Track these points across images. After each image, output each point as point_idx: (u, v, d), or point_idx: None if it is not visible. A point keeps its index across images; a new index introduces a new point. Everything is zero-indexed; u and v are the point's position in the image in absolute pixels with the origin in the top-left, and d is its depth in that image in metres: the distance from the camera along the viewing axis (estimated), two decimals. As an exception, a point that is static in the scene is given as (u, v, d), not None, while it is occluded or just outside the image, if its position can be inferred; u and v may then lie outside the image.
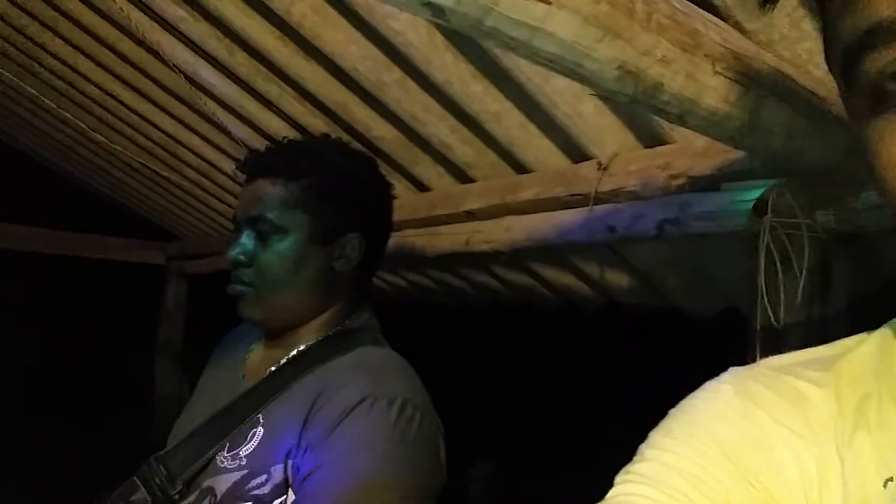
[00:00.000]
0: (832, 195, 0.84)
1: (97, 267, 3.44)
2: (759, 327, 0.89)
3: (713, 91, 0.60)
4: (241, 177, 1.04)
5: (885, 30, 0.31)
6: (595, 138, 1.19)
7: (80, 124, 1.83)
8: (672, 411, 0.46)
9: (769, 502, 0.38)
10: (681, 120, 0.62)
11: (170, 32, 1.50)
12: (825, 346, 0.46)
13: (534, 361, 2.50)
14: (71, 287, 3.36)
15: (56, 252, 3.26)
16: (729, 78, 0.60)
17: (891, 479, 0.36)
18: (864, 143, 0.36)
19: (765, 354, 0.90)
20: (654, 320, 1.72)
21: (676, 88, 0.57)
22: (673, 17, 0.55)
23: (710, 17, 0.60)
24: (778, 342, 0.87)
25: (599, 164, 1.17)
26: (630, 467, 0.42)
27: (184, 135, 2.03)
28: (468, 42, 1.11)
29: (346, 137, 1.58)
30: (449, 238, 1.48)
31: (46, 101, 1.93)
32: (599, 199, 1.16)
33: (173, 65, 1.49)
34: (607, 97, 1.12)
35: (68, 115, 1.90)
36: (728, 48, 0.60)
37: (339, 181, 1.00)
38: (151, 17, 1.47)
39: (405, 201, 1.71)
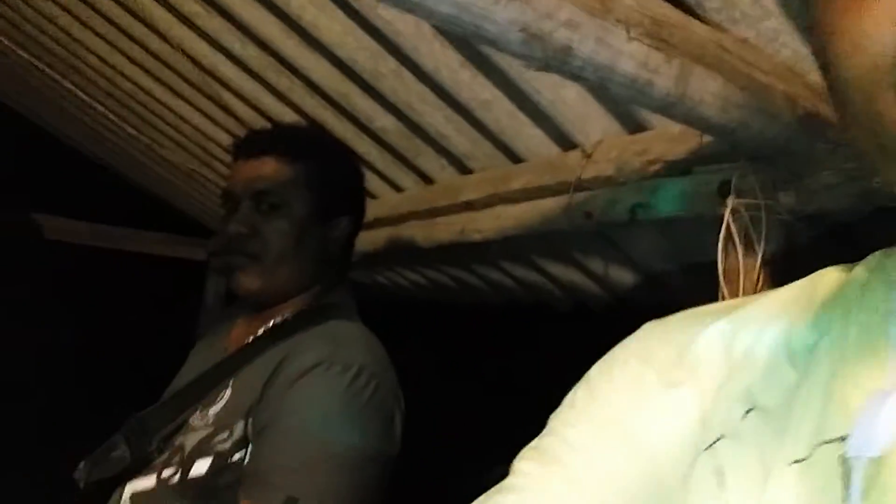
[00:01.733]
0: (792, 176, 0.82)
1: (141, 262, 3.60)
2: (720, 310, 0.88)
3: (629, 57, 0.60)
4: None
5: None
6: (580, 126, 1.20)
7: (110, 115, 1.94)
8: (585, 375, 0.45)
9: (654, 470, 0.38)
10: (602, 87, 0.63)
11: (189, 27, 1.58)
12: (759, 293, 0.45)
13: (548, 363, 2.49)
14: (116, 280, 3.52)
15: (100, 245, 3.43)
16: (647, 45, 0.61)
17: (751, 409, 0.35)
18: (820, 19, 0.30)
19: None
20: (659, 317, 1.70)
21: (587, 53, 0.58)
22: (579, -20, 0.56)
23: (627, -18, 0.61)
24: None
25: (584, 151, 1.18)
26: (533, 442, 0.43)
27: (210, 129, 2.12)
28: (453, 30, 1.13)
29: (352, 129, 1.63)
30: (445, 228, 1.50)
31: (87, 96, 2.06)
32: (583, 186, 1.16)
33: (191, 57, 1.57)
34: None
35: (104, 109, 2.01)
36: (645, 14, 0.61)
37: (338, 166, 1.08)
38: (171, 13, 1.56)
39: (412, 194, 1.75)
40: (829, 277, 0.41)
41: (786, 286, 0.44)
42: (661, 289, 1.62)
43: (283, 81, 1.59)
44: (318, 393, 0.83)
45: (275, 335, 0.96)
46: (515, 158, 1.40)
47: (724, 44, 0.68)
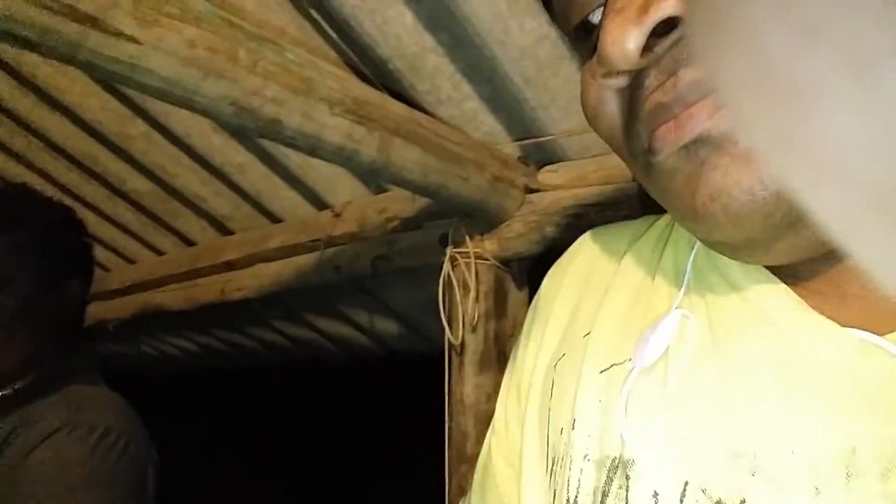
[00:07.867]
0: (491, 227, 0.99)
1: None
2: (447, 345, 1.02)
3: (334, 129, 0.71)
4: None
5: None
6: (331, 189, 1.30)
7: None
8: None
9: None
10: (313, 153, 0.73)
11: None
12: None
13: (324, 417, 2.52)
14: None
15: None
16: (349, 120, 0.72)
17: (589, 332, 0.40)
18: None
19: (450, 369, 1.02)
20: (424, 366, 1.84)
21: (295, 126, 0.68)
22: (283, 65, 0.66)
23: (330, 67, 0.72)
24: (459, 357, 1.00)
25: (333, 211, 1.28)
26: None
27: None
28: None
29: (103, 191, 1.57)
30: (206, 289, 1.49)
31: None
32: (333, 242, 1.26)
33: None
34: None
35: None
36: (346, 94, 0.72)
37: (58, 228, 1.02)
38: None
39: (172, 256, 1.71)
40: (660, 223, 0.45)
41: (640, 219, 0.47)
42: (424, 338, 1.77)
43: (19, 140, 1.49)
44: (61, 458, 0.78)
45: (3, 408, 0.89)
46: (274, 219, 1.46)
47: (418, 120, 0.82)
